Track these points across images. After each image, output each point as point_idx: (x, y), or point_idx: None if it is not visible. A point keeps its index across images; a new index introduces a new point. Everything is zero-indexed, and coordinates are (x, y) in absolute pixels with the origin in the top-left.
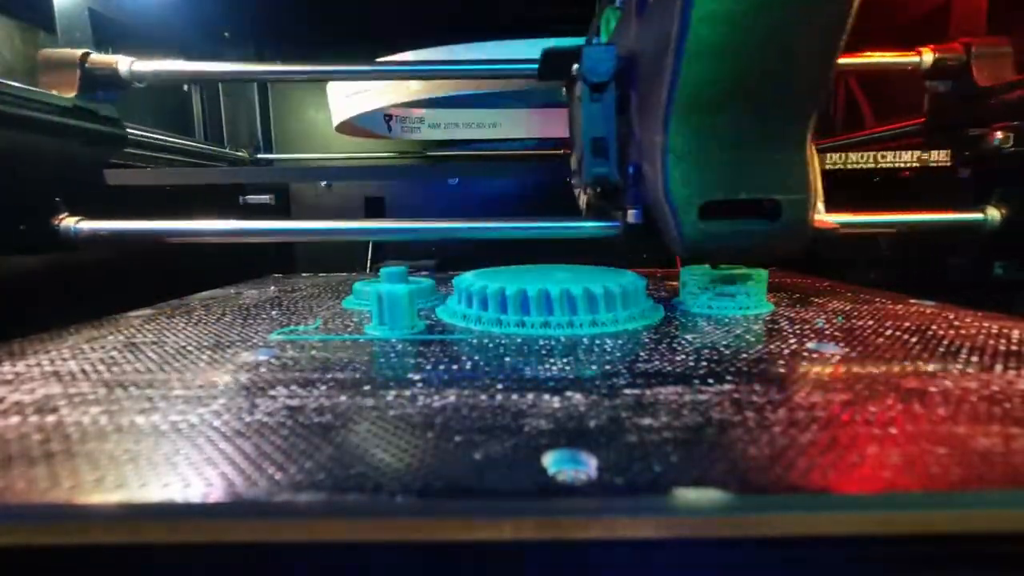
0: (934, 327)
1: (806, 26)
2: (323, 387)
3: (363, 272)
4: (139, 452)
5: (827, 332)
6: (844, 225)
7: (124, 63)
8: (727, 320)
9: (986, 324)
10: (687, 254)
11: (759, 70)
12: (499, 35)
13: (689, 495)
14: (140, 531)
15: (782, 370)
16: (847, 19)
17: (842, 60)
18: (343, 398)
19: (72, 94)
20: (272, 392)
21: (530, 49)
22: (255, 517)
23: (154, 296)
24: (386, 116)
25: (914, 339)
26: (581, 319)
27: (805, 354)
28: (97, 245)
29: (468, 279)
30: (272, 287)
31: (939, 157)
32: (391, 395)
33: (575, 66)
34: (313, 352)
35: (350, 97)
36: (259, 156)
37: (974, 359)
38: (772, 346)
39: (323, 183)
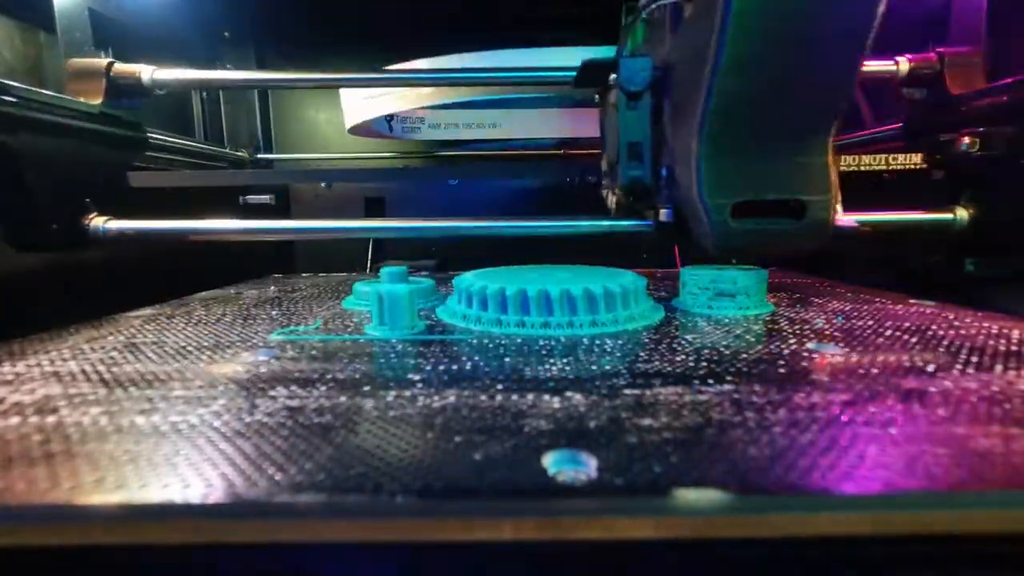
0: (934, 327)
1: (832, 41)
2: (323, 387)
3: (363, 272)
4: (139, 453)
5: (827, 332)
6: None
7: (146, 72)
8: (727, 320)
9: (986, 324)
10: (718, 251)
11: (789, 84)
12: (499, 36)
13: (689, 495)
14: (140, 532)
15: (782, 370)
16: (871, 32)
17: None
18: (343, 398)
19: (99, 101)
20: (272, 392)
21: (536, 57)
22: (255, 518)
23: (154, 296)
24: (387, 116)
25: (914, 339)
26: (581, 319)
27: (805, 354)
28: (101, 245)
29: (468, 279)
30: (272, 287)
31: (915, 160)
32: (391, 395)
33: (612, 76)
34: (313, 352)
35: (368, 100)
36: (259, 156)
37: (974, 359)
38: (772, 346)
39: (323, 184)
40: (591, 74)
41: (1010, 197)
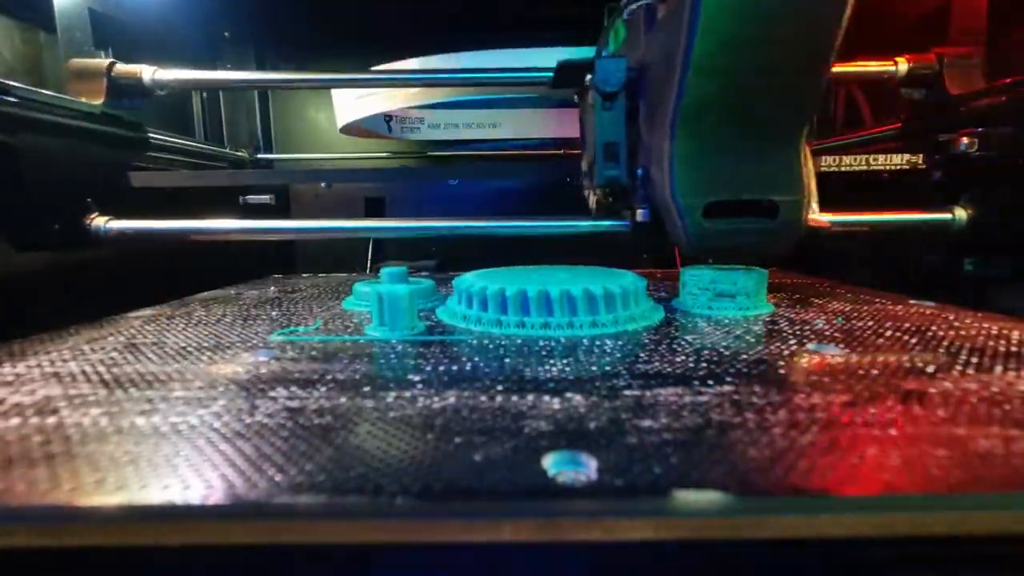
0: (934, 328)
1: (799, 49)
2: (323, 388)
3: (363, 273)
4: (139, 454)
5: (827, 333)
6: (834, 224)
7: (147, 72)
8: (727, 321)
9: (986, 325)
10: (691, 251)
11: (757, 86)
12: (498, 36)
13: (689, 497)
14: (140, 533)
15: (782, 371)
16: (835, 42)
17: None
18: (343, 399)
19: (99, 101)
20: (272, 393)
21: (533, 57)
22: (255, 519)
23: (154, 296)
24: (386, 116)
25: (914, 340)
26: (581, 320)
27: (805, 355)
28: (105, 245)
29: (468, 280)
30: (272, 287)
31: (915, 160)
32: (391, 396)
33: (588, 76)
34: (313, 353)
35: (358, 100)
36: (259, 156)
37: (974, 360)
38: (772, 347)
39: (323, 184)
40: (567, 75)
41: (1009, 197)
